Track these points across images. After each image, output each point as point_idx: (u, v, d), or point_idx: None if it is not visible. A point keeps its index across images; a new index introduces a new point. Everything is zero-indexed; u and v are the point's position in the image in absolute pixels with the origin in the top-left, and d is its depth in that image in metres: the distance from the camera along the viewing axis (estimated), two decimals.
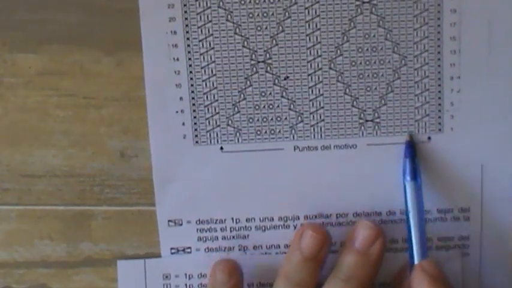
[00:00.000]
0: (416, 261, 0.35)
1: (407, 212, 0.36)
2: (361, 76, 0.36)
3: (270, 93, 0.36)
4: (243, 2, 0.35)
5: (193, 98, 0.36)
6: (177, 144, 0.37)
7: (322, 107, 0.36)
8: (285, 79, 0.36)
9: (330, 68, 0.36)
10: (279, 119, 0.36)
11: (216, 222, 0.38)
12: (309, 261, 0.35)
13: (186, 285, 0.39)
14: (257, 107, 0.36)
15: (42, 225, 0.38)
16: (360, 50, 0.36)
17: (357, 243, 0.35)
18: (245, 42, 0.36)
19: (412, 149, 0.36)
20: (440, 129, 0.36)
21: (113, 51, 0.36)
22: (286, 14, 0.35)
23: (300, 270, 0.36)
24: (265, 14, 0.35)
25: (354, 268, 0.35)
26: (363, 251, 0.35)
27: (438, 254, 0.38)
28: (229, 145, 0.37)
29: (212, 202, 0.37)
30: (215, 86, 0.36)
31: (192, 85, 0.36)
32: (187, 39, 0.35)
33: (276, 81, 0.36)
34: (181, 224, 0.38)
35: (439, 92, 0.36)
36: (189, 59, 0.36)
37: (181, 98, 0.36)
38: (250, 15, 0.35)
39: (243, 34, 0.35)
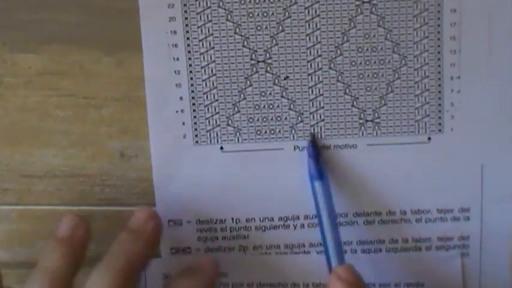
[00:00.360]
0: (333, 266, 0.35)
1: (319, 215, 0.36)
2: (361, 76, 0.36)
3: (270, 93, 0.36)
4: (243, 2, 0.35)
5: (193, 98, 0.36)
6: (177, 144, 0.37)
7: (322, 107, 0.36)
8: (285, 79, 0.36)
9: (330, 68, 0.36)
10: (279, 118, 0.36)
11: (216, 222, 0.38)
12: (61, 242, 0.34)
13: None
14: (257, 107, 0.36)
15: (42, 225, 0.38)
16: (360, 49, 0.36)
17: (132, 224, 0.35)
18: (245, 42, 0.36)
19: (315, 149, 0.36)
20: (440, 130, 0.36)
21: (113, 51, 0.36)
22: (286, 13, 0.35)
23: (51, 254, 0.34)
24: (265, 14, 0.35)
25: (127, 245, 0.34)
26: (136, 229, 0.35)
27: (438, 254, 0.38)
28: (229, 145, 0.37)
29: (212, 202, 0.37)
30: (215, 85, 0.36)
31: (192, 85, 0.36)
32: (187, 38, 0.35)
33: (276, 81, 0.36)
34: (181, 224, 0.38)
35: (439, 92, 0.36)
36: (189, 58, 0.36)
37: (181, 98, 0.36)
38: (250, 15, 0.35)
39: (243, 34, 0.35)
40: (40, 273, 0.34)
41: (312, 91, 0.36)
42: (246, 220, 0.38)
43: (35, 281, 0.33)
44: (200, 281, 0.35)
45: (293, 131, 0.36)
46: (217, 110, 0.36)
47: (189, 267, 0.36)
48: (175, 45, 0.36)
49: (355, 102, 0.36)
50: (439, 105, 0.36)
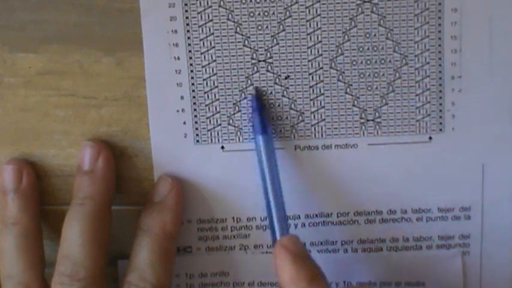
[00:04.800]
0: (277, 237, 0.35)
1: (262, 173, 0.35)
2: (362, 75, 0.36)
3: (271, 93, 0.36)
4: (243, 1, 0.35)
5: (194, 97, 0.36)
6: (177, 143, 0.37)
7: (323, 107, 0.36)
8: (285, 78, 0.36)
9: (331, 68, 0.36)
10: (279, 118, 0.36)
11: (216, 222, 0.38)
12: (10, 194, 0.36)
13: (186, 284, 0.39)
14: None
15: (42, 225, 0.37)
16: (360, 49, 0.36)
17: (83, 165, 0.36)
18: (246, 41, 0.36)
19: (259, 101, 0.36)
20: (441, 129, 0.36)
21: (113, 51, 0.36)
22: (287, 13, 0.35)
23: (7, 207, 0.36)
24: (266, 13, 0.35)
25: (85, 188, 0.35)
26: (89, 169, 0.36)
27: (439, 253, 0.38)
28: (230, 144, 0.37)
29: (213, 201, 0.37)
30: (216, 85, 0.36)
31: (193, 84, 0.36)
32: (188, 38, 0.35)
33: (277, 80, 0.36)
34: (182, 223, 0.37)
35: (440, 91, 0.36)
36: (190, 58, 0.36)
37: (182, 97, 0.36)
38: (251, 14, 0.35)
39: (243, 33, 0.35)
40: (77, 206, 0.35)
41: (313, 90, 0.36)
42: (247, 219, 0.38)
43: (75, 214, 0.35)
44: (167, 218, 0.36)
45: (294, 130, 0.36)
46: (218, 110, 0.36)
47: (153, 203, 0.36)
48: (176, 45, 0.35)
49: (356, 102, 0.36)
50: (440, 104, 0.36)
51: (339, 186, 0.37)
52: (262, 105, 0.36)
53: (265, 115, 0.36)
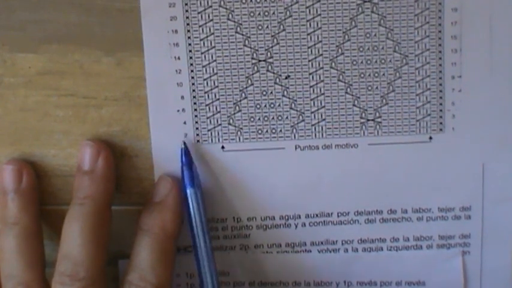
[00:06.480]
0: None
1: (190, 221, 0.36)
2: (362, 75, 0.36)
3: (271, 92, 0.36)
4: (244, 1, 0.35)
5: (194, 97, 0.36)
6: (178, 143, 0.37)
7: (323, 106, 0.36)
8: (286, 78, 0.36)
9: (331, 67, 0.36)
10: (280, 118, 0.36)
11: (217, 222, 0.38)
12: (10, 194, 0.36)
13: (187, 284, 0.39)
14: (258, 106, 0.36)
15: (42, 225, 0.37)
16: (361, 49, 0.36)
17: (83, 164, 0.36)
18: (246, 41, 0.35)
19: (188, 157, 0.36)
20: (441, 129, 0.36)
21: (113, 51, 0.35)
22: (287, 12, 0.35)
23: (7, 207, 0.36)
24: (266, 13, 0.35)
25: (85, 188, 0.35)
26: (89, 169, 0.36)
27: (439, 253, 0.38)
28: (230, 144, 0.37)
29: (213, 201, 0.37)
30: (216, 84, 0.36)
31: (193, 84, 0.36)
32: (189, 38, 0.35)
33: (277, 80, 0.36)
34: (182, 223, 0.37)
35: (440, 91, 0.36)
36: (190, 57, 0.36)
37: (182, 97, 0.36)
38: (251, 14, 0.35)
39: (244, 33, 0.35)
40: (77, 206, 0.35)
41: (313, 90, 0.36)
42: (247, 219, 0.38)
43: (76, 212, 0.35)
44: (167, 217, 0.36)
45: (294, 130, 0.36)
46: (218, 109, 0.36)
47: (154, 202, 0.36)
48: (177, 45, 0.35)
49: (356, 102, 0.36)
50: (440, 104, 0.36)
51: (339, 186, 0.37)
52: (191, 159, 0.36)
53: (194, 168, 0.36)
